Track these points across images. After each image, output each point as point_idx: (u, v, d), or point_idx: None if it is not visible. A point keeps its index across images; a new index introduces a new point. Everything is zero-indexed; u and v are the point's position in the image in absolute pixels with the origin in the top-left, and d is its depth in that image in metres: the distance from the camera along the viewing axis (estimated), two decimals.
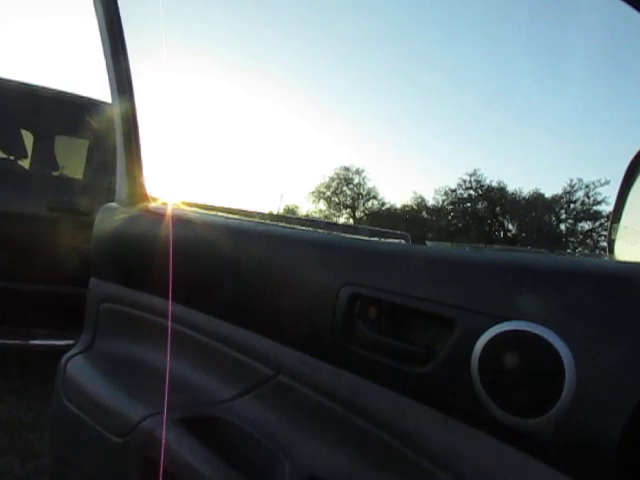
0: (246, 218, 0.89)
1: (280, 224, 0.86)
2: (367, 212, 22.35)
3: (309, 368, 0.66)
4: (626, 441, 0.42)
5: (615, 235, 0.89)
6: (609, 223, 0.94)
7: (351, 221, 21.69)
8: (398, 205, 21.64)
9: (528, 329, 0.48)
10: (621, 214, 0.88)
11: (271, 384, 0.71)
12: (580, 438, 0.45)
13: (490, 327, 0.50)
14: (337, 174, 22.45)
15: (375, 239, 0.74)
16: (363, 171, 22.24)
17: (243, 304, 0.77)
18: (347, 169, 22.47)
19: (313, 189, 22.54)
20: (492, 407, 0.49)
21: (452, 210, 20.10)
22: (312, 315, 0.67)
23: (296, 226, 0.84)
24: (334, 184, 22.41)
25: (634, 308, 0.46)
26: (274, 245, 0.75)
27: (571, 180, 17.49)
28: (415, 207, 20.71)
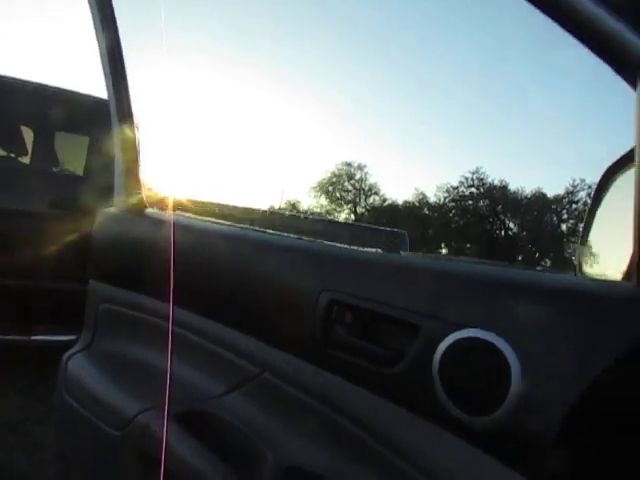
0: (239, 225, 0.92)
1: (268, 231, 0.89)
2: (368, 208, 22.29)
3: (292, 367, 0.71)
4: (565, 435, 0.48)
5: (581, 257, 0.92)
6: (578, 244, 0.96)
7: (352, 217, 21.66)
8: (400, 201, 21.60)
9: (480, 336, 0.53)
10: (588, 236, 0.91)
11: (257, 381, 0.76)
12: (525, 433, 0.51)
13: (449, 334, 0.55)
14: (339, 169, 22.35)
15: (354, 247, 0.81)
16: (365, 167, 22.15)
17: (232, 306, 0.82)
18: (349, 164, 22.38)
19: (315, 184, 22.48)
20: (450, 406, 0.54)
21: (453, 207, 20.08)
22: (294, 318, 0.72)
23: (282, 233, 0.88)
24: (336, 180, 22.34)
25: (577, 319, 0.51)
26: (261, 251, 0.80)
27: (573, 180, 17.47)
28: (417, 204, 20.68)
